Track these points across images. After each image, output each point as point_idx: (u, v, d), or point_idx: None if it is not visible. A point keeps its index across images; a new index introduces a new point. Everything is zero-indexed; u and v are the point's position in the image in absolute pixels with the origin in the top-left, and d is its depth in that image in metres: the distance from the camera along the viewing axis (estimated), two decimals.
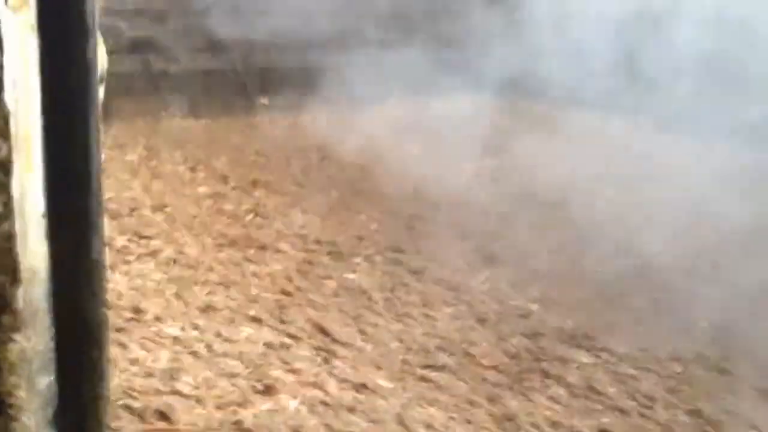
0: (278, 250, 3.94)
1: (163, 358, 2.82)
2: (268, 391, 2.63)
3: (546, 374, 3.09)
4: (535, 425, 2.75)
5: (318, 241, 4.10)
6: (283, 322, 3.18)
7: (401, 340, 3.19)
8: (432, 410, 2.74)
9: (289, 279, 3.60)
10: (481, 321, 3.45)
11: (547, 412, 2.83)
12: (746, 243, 4.31)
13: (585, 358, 3.24)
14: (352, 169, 5.29)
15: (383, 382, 2.85)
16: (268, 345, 2.96)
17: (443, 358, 3.10)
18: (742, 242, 4.32)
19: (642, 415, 2.89)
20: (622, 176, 5.38)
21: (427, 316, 3.42)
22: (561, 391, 2.98)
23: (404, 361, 3.03)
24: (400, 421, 2.63)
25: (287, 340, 3.02)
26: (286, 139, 6.08)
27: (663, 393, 3.05)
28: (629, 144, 6.16)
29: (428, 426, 2.64)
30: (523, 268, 3.97)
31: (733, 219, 4.30)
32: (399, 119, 6.30)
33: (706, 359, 3.31)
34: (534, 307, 3.62)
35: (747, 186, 5.01)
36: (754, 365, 3.28)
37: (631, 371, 3.18)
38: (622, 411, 2.91)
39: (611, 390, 3.04)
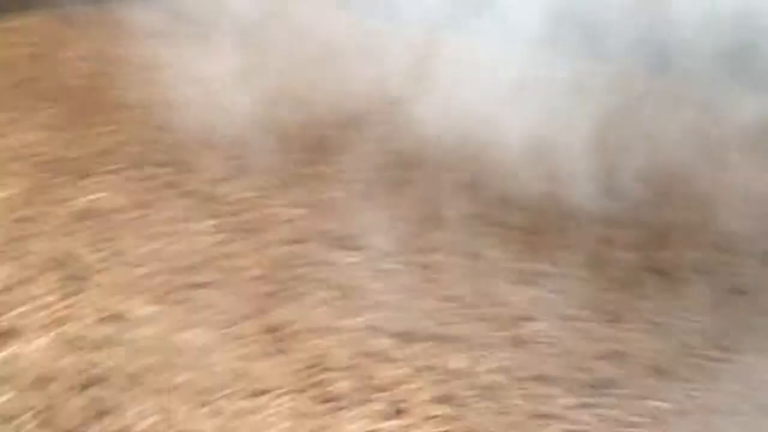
0: (7, 174, 3.50)
1: None
2: (8, 334, 2.35)
3: (313, 279, 3.05)
4: (307, 330, 2.71)
5: (55, 160, 3.70)
6: (20, 254, 2.85)
7: (160, 260, 2.99)
8: (199, 331, 2.61)
9: (23, 205, 3.22)
10: (244, 231, 3.32)
11: (318, 316, 2.81)
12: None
13: (350, 258, 3.25)
14: (98, 77, 4.80)
15: (143, 308, 2.65)
16: (4, 282, 2.64)
17: (207, 274, 2.95)
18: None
19: (407, 309, 2.96)
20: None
21: (185, 231, 3.23)
22: (329, 294, 2.96)
23: (165, 283, 2.85)
24: (165, 347, 2.47)
25: (27, 274, 2.70)
26: (30, 45, 5.36)
27: (423, 284, 3.14)
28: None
29: (198, 348, 2.51)
30: (283, 173, 3.86)
31: None
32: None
33: (462, 245, 3.45)
34: (296, 211, 3.54)
35: None
36: (505, 251, 3.47)
37: (394, 266, 3.24)
38: (388, 305, 2.95)
39: (376, 286, 3.07)
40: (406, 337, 2.76)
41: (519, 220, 3.65)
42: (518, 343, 2.82)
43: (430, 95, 4.37)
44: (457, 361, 2.65)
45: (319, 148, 4.12)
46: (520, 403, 2.48)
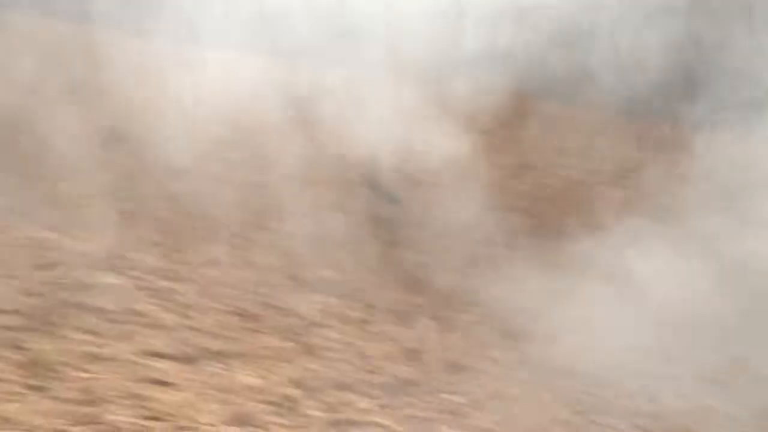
0: None
1: None
2: None
3: (76, 306, 2.70)
4: (72, 362, 2.37)
5: None
6: None
7: None
8: None
9: None
10: None
11: (84, 347, 2.47)
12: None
13: (116, 279, 2.92)
14: None
15: None
16: None
17: None
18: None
19: (185, 328, 2.71)
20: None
21: None
22: (95, 320, 2.63)
23: None
24: None
25: None
26: None
27: (197, 298, 2.90)
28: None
29: None
30: (31, 194, 3.43)
31: None
32: None
33: (236, 256, 3.25)
34: (50, 235, 3.15)
35: None
36: (283, 258, 3.32)
37: (165, 283, 2.97)
38: (163, 325, 2.69)
39: (146, 307, 2.79)
40: (187, 357, 2.51)
41: (291, 224, 3.53)
42: (310, 352, 2.67)
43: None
44: (247, 378, 2.45)
45: (78, 168, 3.72)
46: (318, 414, 2.33)
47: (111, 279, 2.91)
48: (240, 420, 2.22)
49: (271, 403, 2.33)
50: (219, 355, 2.55)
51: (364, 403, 2.41)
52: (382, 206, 3.70)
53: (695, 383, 2.55)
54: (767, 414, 2.47)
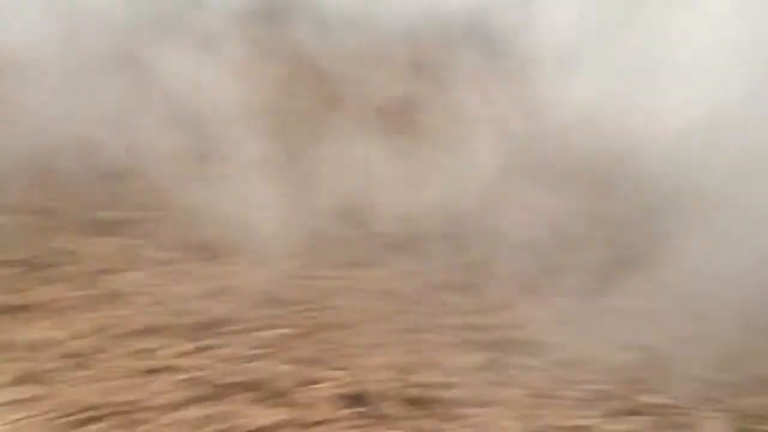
0: None
1: None
2: None
3: None
4: None
5: None
6: None
7: None
8: None
9: None
10: None
11: None
12: None
13: None
14: None
15: None
16: None
17: None
18: None
19: None
20: None
21: None
22: None
23: None
24: None
25: None
26: None
27: None
28: None
29: None
30: None
31: None
32: None
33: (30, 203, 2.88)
34: None
35: None
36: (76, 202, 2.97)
37: None
38: None
39: None
40: None
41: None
42: (111, 298, 2.39)
43: None
44: (39, 332, 2.14)
45: None
46: (123, 363, 2.07)
47: None
48: (33, 378, 1.93)
49: (69, 356, 2.04)
50: (4, 310, 2.22)
51: (176, 348, 2.19)
52: None
53: (513, 289, 2.56)
54: None
